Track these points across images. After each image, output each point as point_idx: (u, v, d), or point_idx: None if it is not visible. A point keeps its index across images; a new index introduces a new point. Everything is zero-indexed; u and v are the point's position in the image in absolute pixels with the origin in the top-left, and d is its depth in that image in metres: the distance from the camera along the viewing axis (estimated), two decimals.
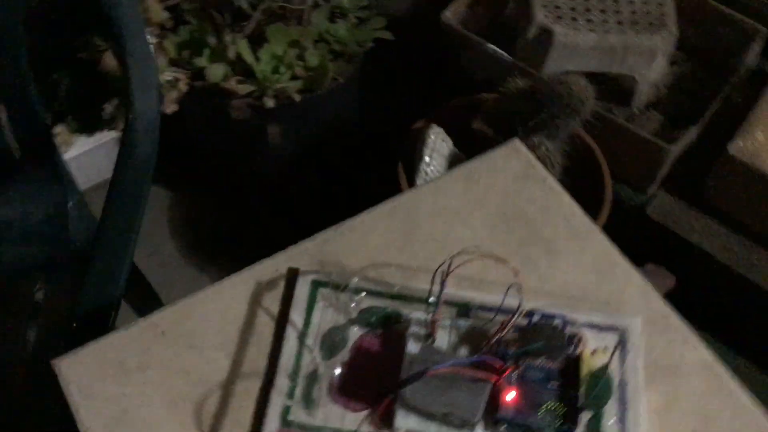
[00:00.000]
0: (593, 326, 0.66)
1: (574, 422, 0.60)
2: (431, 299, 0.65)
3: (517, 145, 0.80)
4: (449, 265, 0.62)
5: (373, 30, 1.44)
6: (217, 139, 1.50)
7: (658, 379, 0.65)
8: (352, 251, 0.73)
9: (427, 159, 1.19)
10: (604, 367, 0.63)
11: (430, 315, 0.65)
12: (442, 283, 0.62)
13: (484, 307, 0.67)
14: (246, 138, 1.44)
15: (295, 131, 1.42)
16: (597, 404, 0.62)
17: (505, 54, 1.36)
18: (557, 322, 0.64)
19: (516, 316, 0.61)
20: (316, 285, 0.70)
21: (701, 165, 1.28)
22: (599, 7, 1.32)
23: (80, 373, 0.66)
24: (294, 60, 1.38)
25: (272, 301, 0.70)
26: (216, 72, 1.35)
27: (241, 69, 1.36)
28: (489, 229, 0.74)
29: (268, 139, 1.42)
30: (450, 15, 1.41)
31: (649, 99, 1.34)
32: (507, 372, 0.60)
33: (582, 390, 0.62)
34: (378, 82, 1.51)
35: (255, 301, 0.70)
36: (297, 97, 1.36)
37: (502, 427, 0.62)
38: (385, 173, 1.26)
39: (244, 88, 1.36)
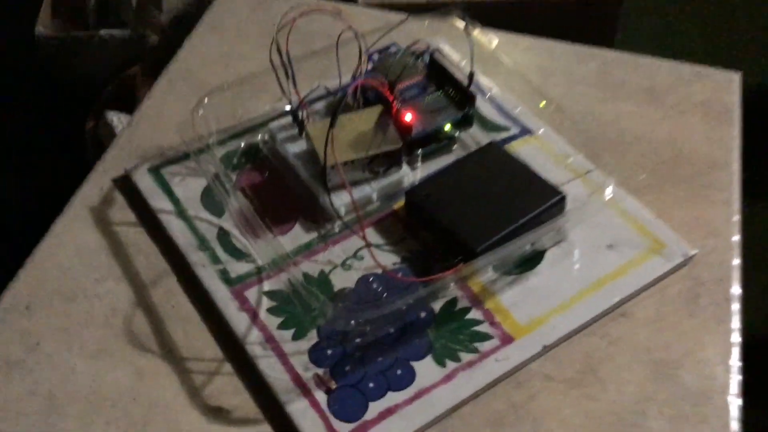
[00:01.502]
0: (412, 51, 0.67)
1: (467, 101, 0.61)
2: (289, 95, 0.59)
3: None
4: (282, 43, 0.58)
5: None
6: None
7: (483, 63, 0.69)
8: (160, 130, 0.65)
9: None
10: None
11: (290, 112, 0.61)
12: (288, 63, 0.58)
13: (329, 91, 0.64)
14: None
15: None
16: None
17: (120, 31, 1.30)
18: (393, 48, 0.64)
19: (363, 51, 0.59)
20: (155, 170, 0.61)
21: None
22: None
23: None
24: None
25: (120, 213, 0.60)
26: None
27: None
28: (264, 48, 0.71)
29: None
30: (42, 28, 1.31)
31: None
32: (392, 99, 0.59)
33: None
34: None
35: (103, 222, 0.59)
36: None
37: (418, 150, 0.60)
38: None
39: None
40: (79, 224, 0.59)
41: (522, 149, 0.62)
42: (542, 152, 0.63)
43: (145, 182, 0.60)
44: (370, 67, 0.63)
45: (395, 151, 0.57)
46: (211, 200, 0.59)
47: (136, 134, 0.65)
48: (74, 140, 1.22)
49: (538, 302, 0.53)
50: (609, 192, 0.55)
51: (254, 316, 0.53)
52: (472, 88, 0.62)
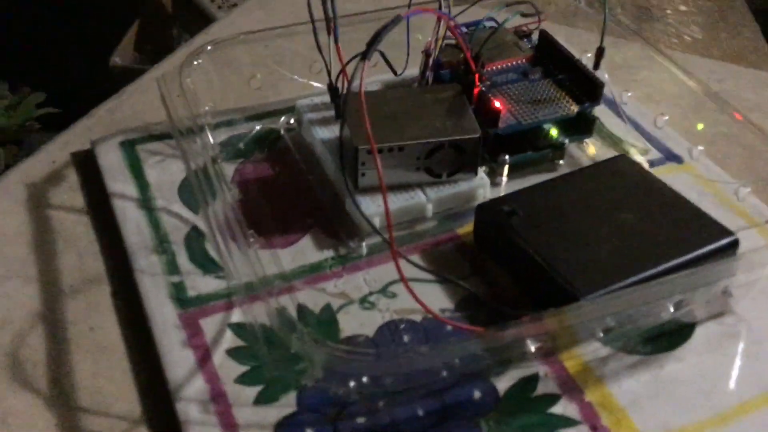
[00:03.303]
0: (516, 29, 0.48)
1: (591, 92, 0.41)
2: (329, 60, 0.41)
3: None
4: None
5: (33, 108, 1.18)
6: None
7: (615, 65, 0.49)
8: (157, 106, 0.48)
9: None
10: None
11: (329, 86, 0.42)
12: (332, 5, 0.39)
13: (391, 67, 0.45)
14: None
15: None
16: None
17: None
18: (489, 23, 0.46)
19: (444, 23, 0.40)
20: (131, 145, 0.43)
21: None
22: None
23: None
24: None
25: (67, 195, 0.42)
26: None
27: None
28: None
29: None
30: (119, 60, 1.21)
31: None
32: (476, 73, 0.40)
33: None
34: None
35: (38, 204, 0.41)
36: None
37: (505, 156, 0.40)
38: None
39: None
40: (6, 203, 0.41)
41: (666, 179, 0.41)
42: (697, 187, 0.41)
43: (110, 158, 0.42)
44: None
45: (470, 143, 0.37)
46: (188, 193, 0.40)
47: (126, 104, 0.48)
48: None
49: (677, 406, 0.31)
50: None
51: (205, 357, 0.33)
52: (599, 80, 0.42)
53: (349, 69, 0.41)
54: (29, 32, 1.38)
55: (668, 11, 1.30)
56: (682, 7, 1.31)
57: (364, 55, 0.32)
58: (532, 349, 0.30)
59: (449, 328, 0.33)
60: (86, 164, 0.43)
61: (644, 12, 1.31)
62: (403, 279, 0.31)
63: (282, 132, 0.44)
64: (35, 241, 0.39)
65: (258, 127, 0.44)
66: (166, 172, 0.42)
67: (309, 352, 0.28)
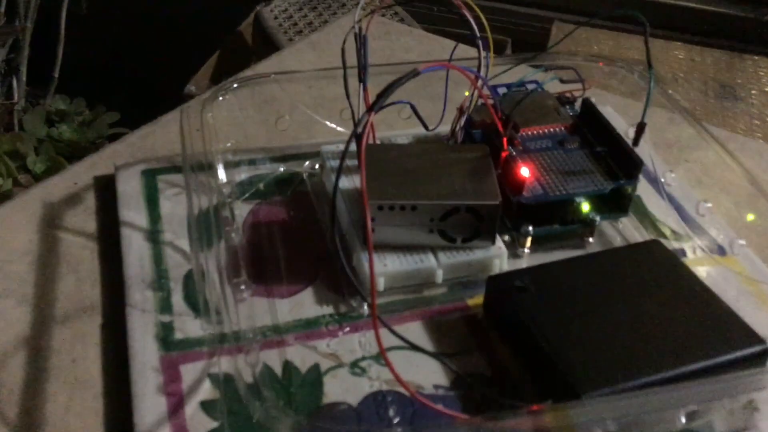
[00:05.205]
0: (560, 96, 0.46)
1: (628, 169, 0.38)
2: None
3: None
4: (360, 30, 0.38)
5: (106, 127, 1.21)
6: None
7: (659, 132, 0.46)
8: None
9: None
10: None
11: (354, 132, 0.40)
12: (362, 43, 0.38)
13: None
14: None
15: None
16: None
17: None
18: (532, 85, 0.43)
19: (486, 65, 0.39)
20: (151, 174, 0.43)
21: None
22: None
23: None
24: (14, 170, 1.09)
25: (80, 218, 0.41)
26: None
27: None
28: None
29: None
30: (194, 88, 1.23)
31: None
32: (504, 137, 0.37)
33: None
34: None
35: (51, 225, 0.40)
36: None
37: (528, 227, 0.38)
38: None
39: None
40: (22, 219, 0.41)
41: (703, 272, 0.38)
42: (737, 284, 0.38)
43: (128, 185, 0.42)
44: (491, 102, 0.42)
45: (488, 210, 0.35)
46: (201, 229, 0.39)
47: (160, 132, 0.47)
48: None
49: None
50: None
51: (177, 406, 0.31)
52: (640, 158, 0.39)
53: (377, 118, 0.40)
54: (112, 54, 1.43)
55: (753, 91, 1.25)
56: None
57: (371, 108, 0.30)
58: None
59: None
60: (107, 189, 0.43)
61: (728, 91, 1.26)
62: (381, 350, 0.29)
63: (304, 176, 0.43)
64: (39, 262, 0.38)
65: (281, 169, 0.43)
66: (180, 206, 0.41)
67: (270, 424, 0.26)
